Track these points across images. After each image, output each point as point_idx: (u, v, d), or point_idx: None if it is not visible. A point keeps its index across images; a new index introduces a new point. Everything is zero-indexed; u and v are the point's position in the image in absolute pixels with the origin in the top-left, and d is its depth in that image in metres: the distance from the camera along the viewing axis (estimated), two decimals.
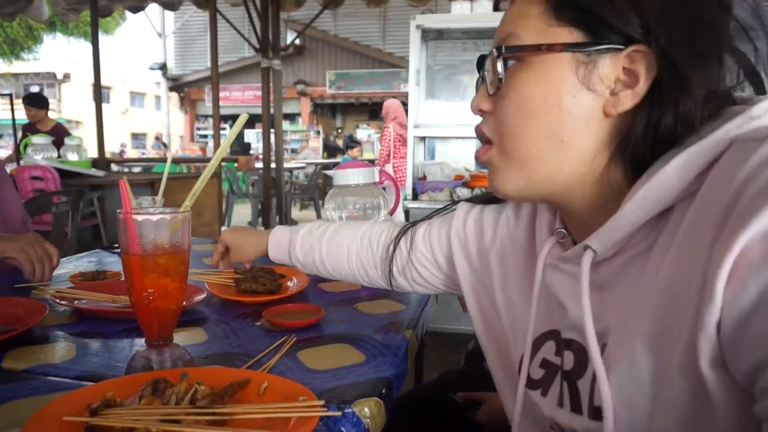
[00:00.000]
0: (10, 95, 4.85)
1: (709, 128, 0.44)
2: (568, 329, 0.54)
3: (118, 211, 0.64)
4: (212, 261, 1.00)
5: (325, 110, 15.92)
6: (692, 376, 0.40)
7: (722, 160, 0.42)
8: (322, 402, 0.56)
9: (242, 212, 7.46)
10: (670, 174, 0.44)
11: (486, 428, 1.05)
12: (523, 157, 0.52)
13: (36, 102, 4.35)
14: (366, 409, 0.61)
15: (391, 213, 1.37)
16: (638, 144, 0.47)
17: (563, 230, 0.58)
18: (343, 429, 0.59)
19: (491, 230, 0.70)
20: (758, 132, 0.41)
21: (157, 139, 16.44)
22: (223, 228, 4.91)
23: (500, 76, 0.52)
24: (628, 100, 0.47)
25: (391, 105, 5.21)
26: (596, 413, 0.48)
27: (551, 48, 0.49)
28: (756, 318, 0.36)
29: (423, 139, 3.21)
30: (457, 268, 0.73)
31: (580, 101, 0.49)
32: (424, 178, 2.95)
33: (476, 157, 0.58)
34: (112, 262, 1.35)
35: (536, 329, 0.59)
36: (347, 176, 1.26)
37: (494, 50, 0.52)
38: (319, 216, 7.06)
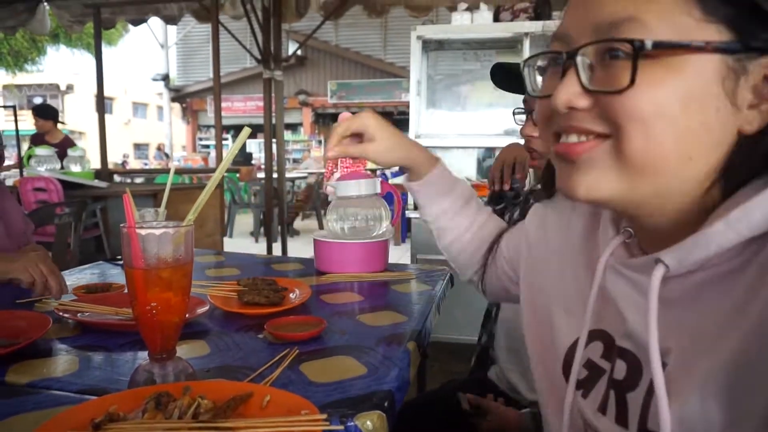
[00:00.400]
0: (14, 107, 4.88)
1: None
2: (623, 338, 0.51)
3: (121, 225, 0.65)
4: (327, 151, 0.83)
5: (327, 120, 15.96)
6: None
7: None
8: (324, 416, 0.55)
9: (244, 222, 7.46)
10: None
11: None
12: (643, 163, 0.43)
13: (43, 113, 4.33)
14: (368, 423, 0.61)
15: (393, 223, 1.38)
16: (755, 166, 0.42)
17: (630, 229, 0.53)
18: None
19: (556, 216, 0.67)
20: None
21: (159, 149, 16.50)
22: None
23: (632, 69, 0.41)
24: (764, 116, 0.41)
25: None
26: None
27: (702, 48, 0.40)
28: None
29: None
30: (520, 261, 0.73)
31: (721, 116, 0.41)
32: None
33: (564, 152, 0.47)
34: (115, 274, 1.35)
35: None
36: (349, 187, 1.26)
37: (631, 42, 0.40)
38: (321, 227, 7.06)
